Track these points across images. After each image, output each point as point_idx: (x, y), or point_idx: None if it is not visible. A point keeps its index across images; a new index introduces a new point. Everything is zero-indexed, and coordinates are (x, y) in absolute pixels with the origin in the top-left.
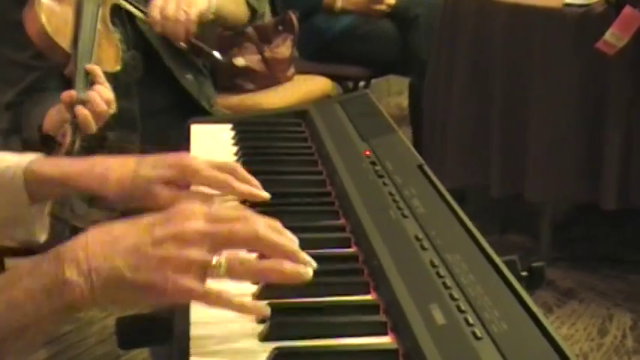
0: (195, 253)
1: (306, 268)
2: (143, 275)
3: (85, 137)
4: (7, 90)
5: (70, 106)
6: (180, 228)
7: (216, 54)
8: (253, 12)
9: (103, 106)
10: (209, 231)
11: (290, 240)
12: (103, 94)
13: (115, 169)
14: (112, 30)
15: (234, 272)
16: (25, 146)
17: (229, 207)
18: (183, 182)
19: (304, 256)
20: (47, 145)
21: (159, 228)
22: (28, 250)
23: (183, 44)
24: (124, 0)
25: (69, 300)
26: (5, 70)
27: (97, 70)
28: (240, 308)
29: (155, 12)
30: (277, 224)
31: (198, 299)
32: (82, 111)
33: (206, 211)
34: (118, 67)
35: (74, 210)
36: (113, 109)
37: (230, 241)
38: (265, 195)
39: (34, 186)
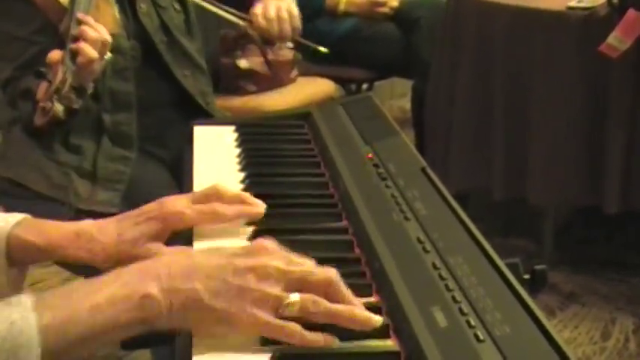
0: (273, 289)
1: (375, 316)
2: (221, 302)
3: (71, 81)
4: (6, 66)
5: (59, 59)
6: (261, 262)
7: (322, 48)
8: None
9: (95, 34)
10: (287, 270)
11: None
12: (94, 26)
13: (99, 238)
14: (112, 2)
15: (306, 311)
16: (24, 127)
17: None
18: (169, 231)
19: (366, 313)
20: (40, 77)
21: (240, 259)
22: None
23: (290, 43)
24: (220, 9)
25: (147, 314)
26: (5, 47)
27: (89, 19)
28: (317, 343)
29: (259, 18)
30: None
31: (271, 332)
32: (80, 45)
33: (284, 252)
34: (113, 33)
35: (79, 193)
36: (109, 38)
37: (305, 282)
38: (259, 210)
39: (17, 252)
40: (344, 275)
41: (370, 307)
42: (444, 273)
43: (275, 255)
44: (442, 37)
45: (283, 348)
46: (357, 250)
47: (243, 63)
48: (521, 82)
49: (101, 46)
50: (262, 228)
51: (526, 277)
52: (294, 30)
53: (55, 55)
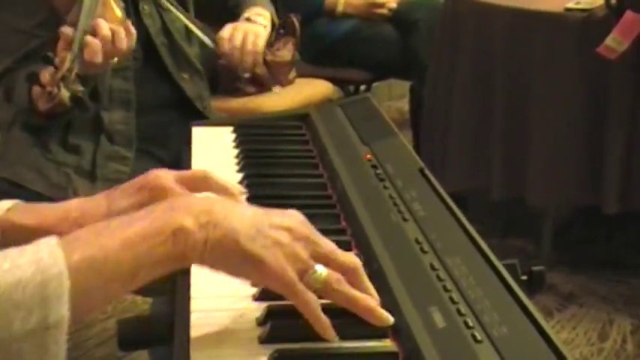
0: (302, 252)
1: (388, 315)
2: (257, 247)
3: (77, 70)
4: (5, 58)
5: (69, 42)
6: (296, 226)
7: (276, 88)
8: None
9: (108, 32)
10: (316, 240)
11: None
12: (106, 24)
13: (90, 212)
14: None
15: (329, 288)
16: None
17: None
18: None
19: (381, 311)
20: (47, 62)
21: (276, 217)
22: None
23: (247, 74)
24: (188, 20)
25: (181, 247)
26: (6, 38)
27: (101, 22)
28: (319, 324)
29: (224, 42)
30: None
31: (290, 291)
32: (90, 39)
33: (312, 227)
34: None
35: (78, 193)
36: (123, 31)
37: (329, 259)
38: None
39: (11, 235)
40: None
41: None
42: (442, 274)
43: (306, 224)
44: (440, 39)
45: (282, 349)
46: (355, 251)
47: None
48: (520, 83)
49: (116, 38)
50: None
51: (524, 277)
52: (254, 64)
53: (66, 30)
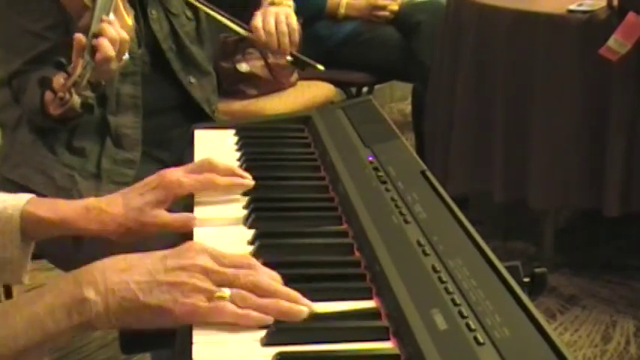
0: (202, 283)
1: (302, 307)
2: (154, 297)
3: (89, 77)
4: (15, 59)
5: (81, 48)
6: (190, 261)
7: (320, 66)
8: None
9: (115, 33)
10: (215, 269)
11: (288, 290)
12: (115, 26)
13: (108, 210)
14: (129, 8)
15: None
16: (28, 123)
17: (237, 255)
18: (171, 198)
19: (303, 300)
20: (59, 68)
21: (171, 260)
22: None
23: (289, 57)
24: (219, 14)
25: (86, 317)
26: (16, 40)
27: (111, 19)
28: (247, 319)
29: (259, 31)
30: (278, 276)
31: (204, 315)
32: (100, 40)
33: (215, 252)
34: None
35: (82, 195)
36: (128, 37)
37: (232, 282)
38: (248, 182)
39: (30, 227)
40: (344, 278)
41: (370, 311)
42: (444, 276)
43: (204, 254)
44: (442, 41)
45: (284, 351)
46: (357, 254)
47: (243, 67)
48: (522, 85)
49: (120, 45)
50: (262, 231)
51: (526, 280)
52: (292, 44)
53: (79, 38)
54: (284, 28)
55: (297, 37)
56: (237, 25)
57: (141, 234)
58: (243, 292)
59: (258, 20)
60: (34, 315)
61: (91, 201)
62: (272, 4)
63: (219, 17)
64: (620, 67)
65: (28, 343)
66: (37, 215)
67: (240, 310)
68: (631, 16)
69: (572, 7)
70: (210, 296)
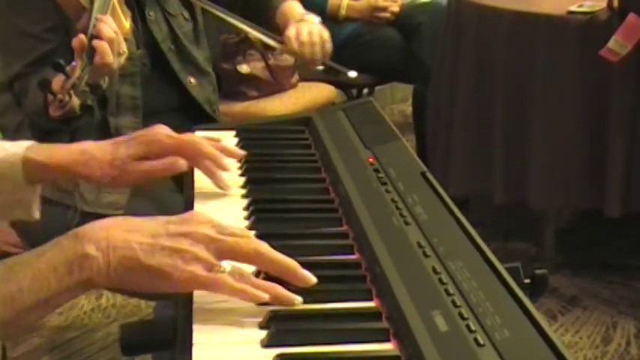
0: (203, 253)
1: (295, 296)
2: (155, 260)
3: (88, 78)
4: (15, 62)
5: (82, 49)
6: (192, 229)
7: (351, 74)
8: None
9: (111, 33)
10: (217, 238)
11: (289, 260)
12: (111, 25)
13: (97, 156)
14: (126, 10)
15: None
16: (31, 126)
17: (238, 227)
18: (153, 155)
19: (303, 271)
20: (58, 70)
21: (173, 226)
22: None
23: (320, 67)
24: (247, 26)
25: (87, 274)
26: (15, 42)
27: (108, 19)
28: (244, 293)
29: (292, 41)
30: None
31: (202, 285)
32: (98, 43)
33: (216, 222)
34: (125, 38)
35: (84, 197)
36: (123, 37)
37: (233, 252)
38: (240, 152)
39: (31, 171)
40: (344, 279)
41: (370, 312)
42: (444, 277)
43: (207, 223)
44: (443, 42)
45: (284, 353)
46: (357, 255)
47: (244, 68)
48: (522, 86)
49: (117, 46)
50: (263, 232)
51: (527, 281)
52: (325, 54)
53: (78, 40)
54: (316, 38)
55: (329, 47)
56: (267, 36)
57: (129, 182)
58: (242, 269)
59: (291, 31)
60: (38, 271)
61: (85, 145)
62: (302, 20)
63: (247, 29)
64: (620, 67)
65: (33, 299)
66: (36, 160)
67: (237, 284)
68: (631, 17)
69: (573, 8)
70: (210, 267)
